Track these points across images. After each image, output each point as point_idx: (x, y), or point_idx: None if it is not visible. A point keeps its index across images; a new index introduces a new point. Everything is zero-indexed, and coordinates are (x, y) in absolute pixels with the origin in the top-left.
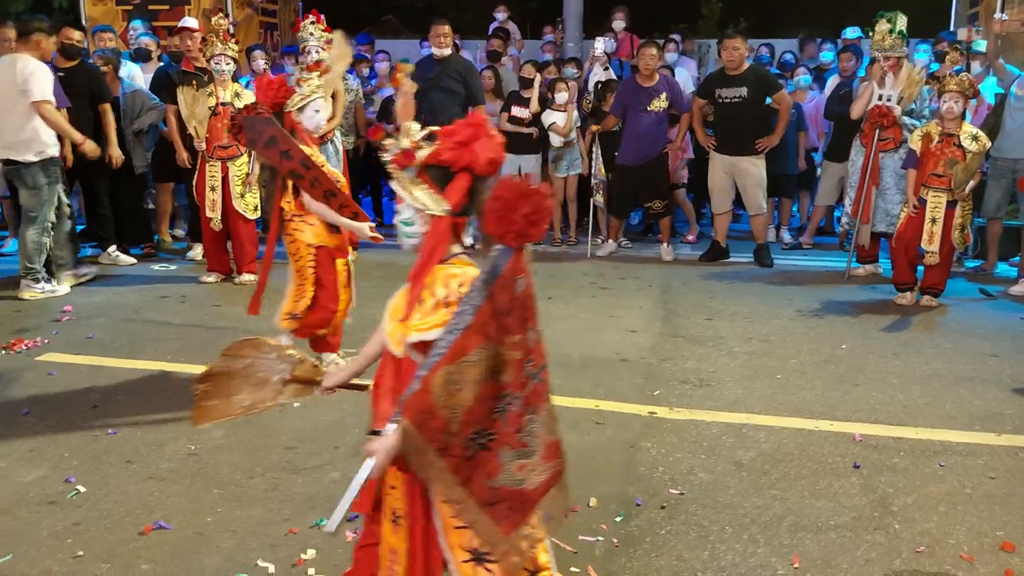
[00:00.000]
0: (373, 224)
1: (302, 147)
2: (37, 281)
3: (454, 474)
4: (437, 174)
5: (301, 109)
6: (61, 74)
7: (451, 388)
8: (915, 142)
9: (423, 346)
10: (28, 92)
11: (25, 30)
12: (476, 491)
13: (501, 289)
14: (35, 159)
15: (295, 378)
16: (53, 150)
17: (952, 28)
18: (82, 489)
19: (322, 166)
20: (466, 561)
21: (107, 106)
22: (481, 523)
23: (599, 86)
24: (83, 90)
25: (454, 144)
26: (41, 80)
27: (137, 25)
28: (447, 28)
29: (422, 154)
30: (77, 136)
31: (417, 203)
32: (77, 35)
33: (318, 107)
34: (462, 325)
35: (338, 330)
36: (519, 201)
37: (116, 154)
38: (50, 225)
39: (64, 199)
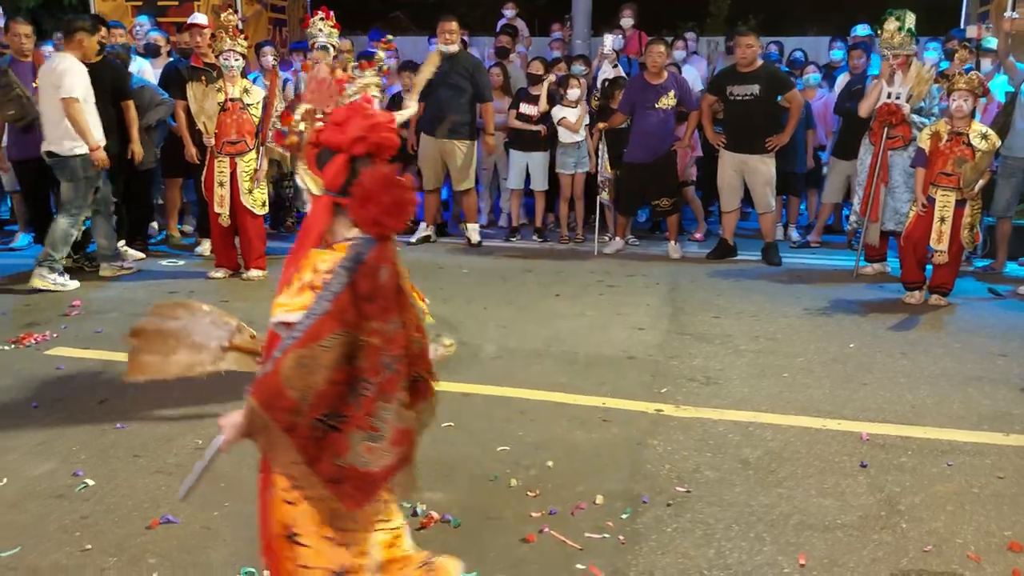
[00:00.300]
0: None
1: None
2: (53, 271)
3: (300, 453)
4: (319, 155)
5: None
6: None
7: (302, 371)
8: (924, 141)
9: (289, 326)
10: (59, 88)
11: (69, 29)
12: (322, 469)
13: (364, 277)
14: (75, 153)
15: (234, 346)
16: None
17: (963, 26)
18: (90, 483)
19: None
20: (282, 536)
21: (130, 102)
22: (326, 499)
23: (606, 83)
24: (106, 86)
25: (330, 124)
26: (71, 78)
27: (143, 21)
28: (455, 25)
29: (296, 137)
30: (92, 140)
31: (301, 183)
32: (102, 31)
33: None
34: (319, 311)
35: None
36: (379, 191)
37: (138, 150)
38: (83, 219)
39: (109, 195)
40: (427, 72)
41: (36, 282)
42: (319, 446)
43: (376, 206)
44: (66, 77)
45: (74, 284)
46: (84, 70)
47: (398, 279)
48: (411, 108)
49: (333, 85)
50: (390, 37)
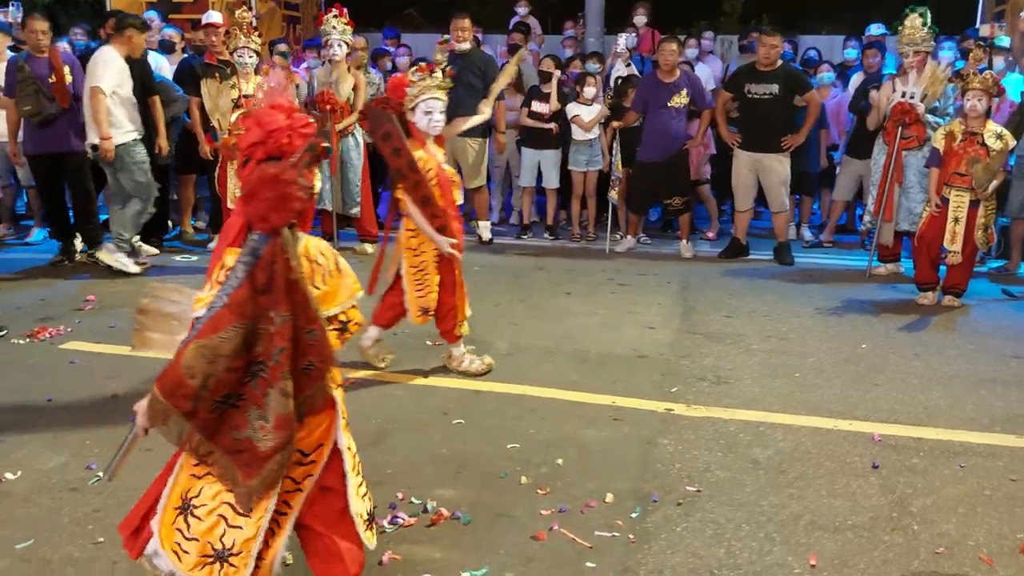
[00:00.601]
0: (455, 242)
1: (419, 151)
2: (120, 250)
3: (201, 432)
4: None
5: (412, 109)
6: None
7: (202, 361)
8: (938, 140)
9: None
10: (88, 77)
11: (120, 25)
12: (222, 442)
13: (261, 271)
14: (118, 142)
15: None
16: (133, 135)
17: (977, 25)
18: (103, 476)
19: (429, 171)
20: (175, 508)
21: (156, 98)
22: (230, 469)
23: (619, 82)
24: (136, 83)
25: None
26: (100, 68)
27: (152, 16)
28: (467, 22)
29: (234, 140)
30: (104, 131)
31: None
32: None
33: (428, 108)
34: (219, 304)
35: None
36: (263, 188)
37: (164, 145)
38: (153, 199)
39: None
40: (505, 79)
41: (102, 255)
42: (219, 422)
43: (261, 202)
44: (97, 67)
45: (136, 268)
46: (120, 64)
47: (290, 273)
48: (484, 114)
49: (286, 90)
50: (446, 37)
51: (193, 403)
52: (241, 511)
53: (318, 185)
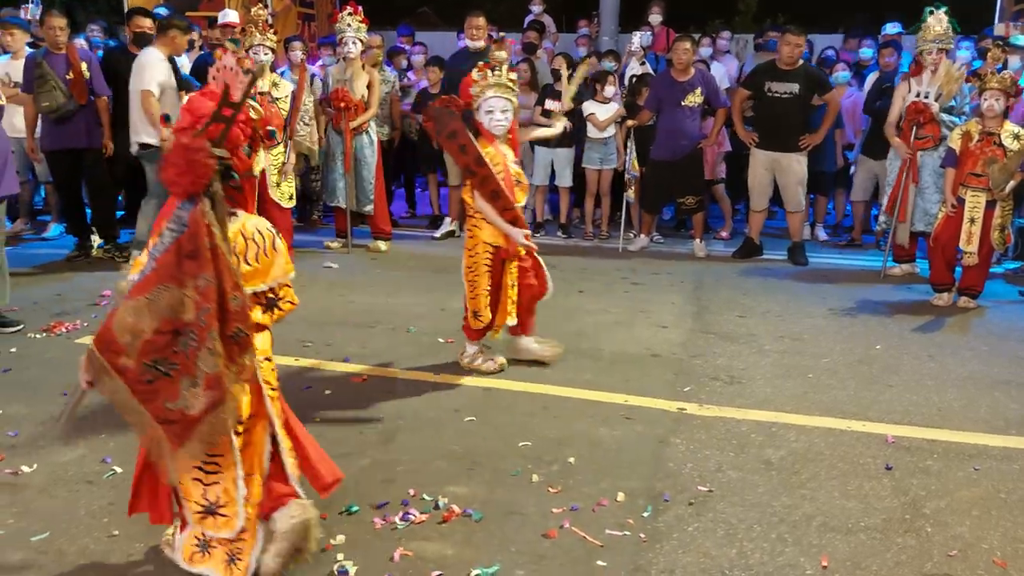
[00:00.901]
0: (528, 233)
1: (488, 147)
2: None
3: (132, 392)
4: None
5: (477, 109)
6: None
7: (129, 320)
8: (955, 140)
9: None
10: (136, 80)
11: (163, 26)
12: (153, 410)
13: (187, 238)
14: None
15: None
16: None
17: (995, 24)
18: (118, 470)
19: (496, 165)
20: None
21: (183, 94)
22: (158, 436)
23: (634, 80)
24: None
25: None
26: (146, 71)
27: (163, 12)
28: (481, 20)
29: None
30: (164, 132)
31: None
32: (148, 23)
33: (489, 108)
34: (148, 269)
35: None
36: (175, 156)
37: None
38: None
39: None
40: (576, 84)
41: None
42: (152, 390)
43: (172, 168)
44: (145, 71)
45: None
46: (164, 64)
47: (212, 238)
48: (557, 128)
49: (238, 75)
50: (503, 34)
51: (123, 360)
52: (174, 477)
53: (258, 167)
